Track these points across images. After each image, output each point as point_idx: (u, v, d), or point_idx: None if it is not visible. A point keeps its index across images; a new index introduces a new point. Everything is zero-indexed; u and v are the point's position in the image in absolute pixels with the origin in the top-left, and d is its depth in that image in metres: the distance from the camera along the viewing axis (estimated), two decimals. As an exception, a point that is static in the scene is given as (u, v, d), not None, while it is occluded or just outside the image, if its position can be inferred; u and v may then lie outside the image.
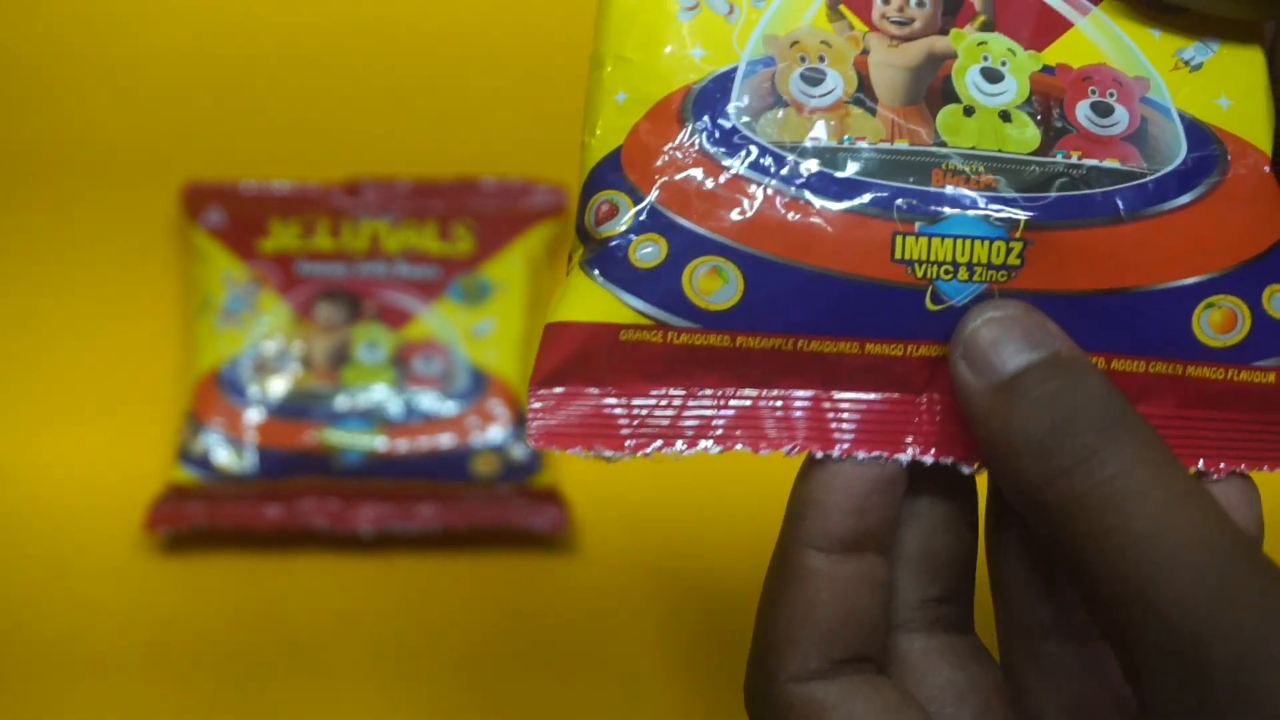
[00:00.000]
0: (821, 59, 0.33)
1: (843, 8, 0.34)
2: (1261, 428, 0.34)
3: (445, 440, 0.65)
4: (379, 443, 0.65)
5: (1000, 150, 0.33)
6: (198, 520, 0.63)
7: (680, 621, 0.62)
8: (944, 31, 0.34)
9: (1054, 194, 0.32)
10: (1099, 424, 0.29)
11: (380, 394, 0.66)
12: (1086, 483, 0.29)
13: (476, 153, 0.70)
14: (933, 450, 0.33)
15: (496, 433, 0.65)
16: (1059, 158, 0.33)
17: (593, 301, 0.32)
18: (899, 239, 0.32)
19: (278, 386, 0.66)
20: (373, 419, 0.65)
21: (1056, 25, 0.34)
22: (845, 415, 0.33)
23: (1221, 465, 0.33)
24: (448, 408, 0.65)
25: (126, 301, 0.68)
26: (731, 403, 0.33)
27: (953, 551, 0.34)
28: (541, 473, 0.65)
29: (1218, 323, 0.33)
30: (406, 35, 0.71)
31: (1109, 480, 0.29)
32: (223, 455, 0.65)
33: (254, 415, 0.65)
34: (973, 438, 0.32)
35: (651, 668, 0.61)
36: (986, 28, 0.34)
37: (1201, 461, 0.33)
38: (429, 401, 0.66)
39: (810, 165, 0.32)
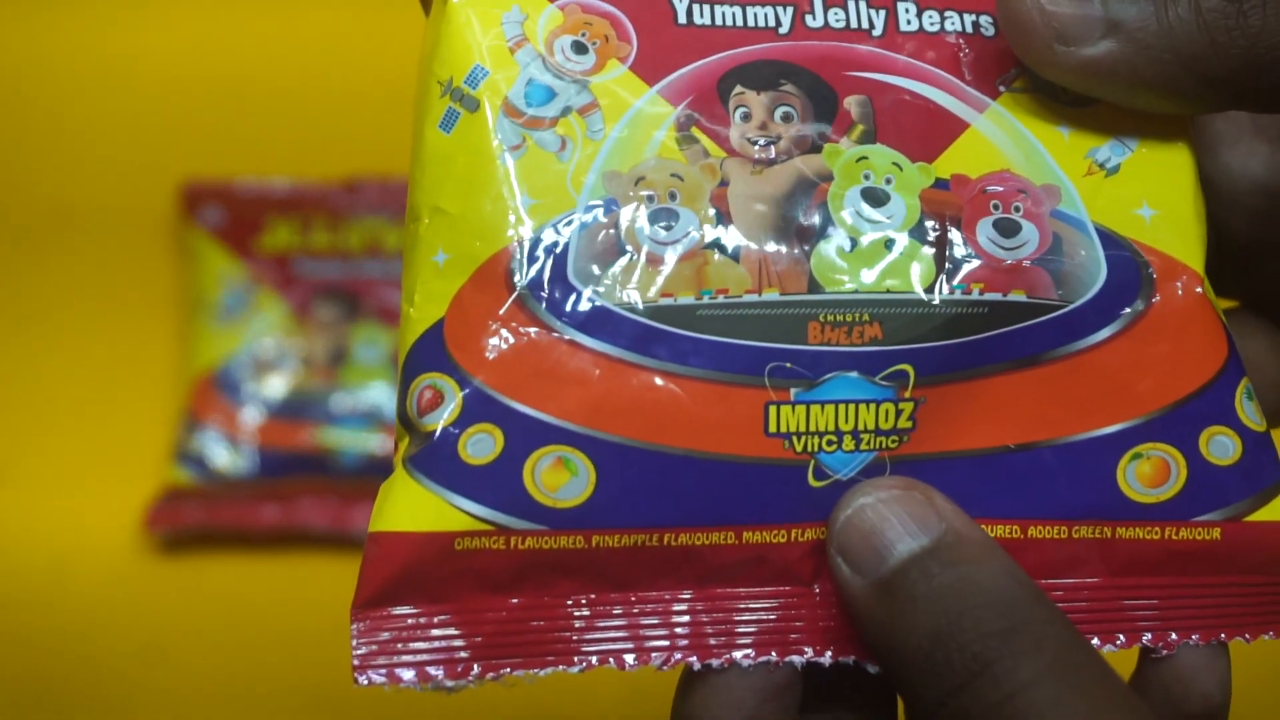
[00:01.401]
0: (673, 196, 0.28)
1: (695, 130, 0.29)
2: (1211, 591, 0.29)
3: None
4: (377, 443, 0.65)
5: (887, 291, 0.28)
6: (195, 520, 0.63)
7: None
8: (816, 149, 0.29)
9: (950, 341, 0.28)
10: (996, 629, 0.25)
11: (379, 394, 0.65)
12: (982, 704, 0.25)
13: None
14: (830, 649, 0.28)
15: (496, 433, 0.65)
16: (957, 294, 0.28)
17: (419, 508, 0.27)
18: (773, 410, 0.27)
19: (275, 386, 0.65)
20: (371, 419, 0.65)
21: (949, 128, 0.29)
22: (724, 617, 0.28)
23: (1171, 637, 0.29)
24: (447, 408, 0.65)
25: (124, 300, 0.68)
26: (592, 612, 0.28)
27: None
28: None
29: (1147, 475, 0.28)
30: (405, 33, 0.71)
31: (1006, 701, 0.24)
32: (220, 455, 0.64)
33: (251, 415, 0.65)
34: None
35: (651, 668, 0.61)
36: (866, 139, 0.29)
37: (1147, 636, 0.29)
38: (428, 401, 0.65)
39: (665, 329, 0.27)
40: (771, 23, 0.30)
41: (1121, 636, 0.29)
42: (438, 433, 0.27)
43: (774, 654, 0.28)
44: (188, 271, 0.67)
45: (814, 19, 0.30)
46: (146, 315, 0.68)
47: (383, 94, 0.70)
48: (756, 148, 0.29)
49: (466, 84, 0.29)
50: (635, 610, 0.28)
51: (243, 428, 0.65)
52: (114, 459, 0.65)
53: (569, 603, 0.28)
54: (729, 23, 0.29)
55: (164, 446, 0.65)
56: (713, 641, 0.28)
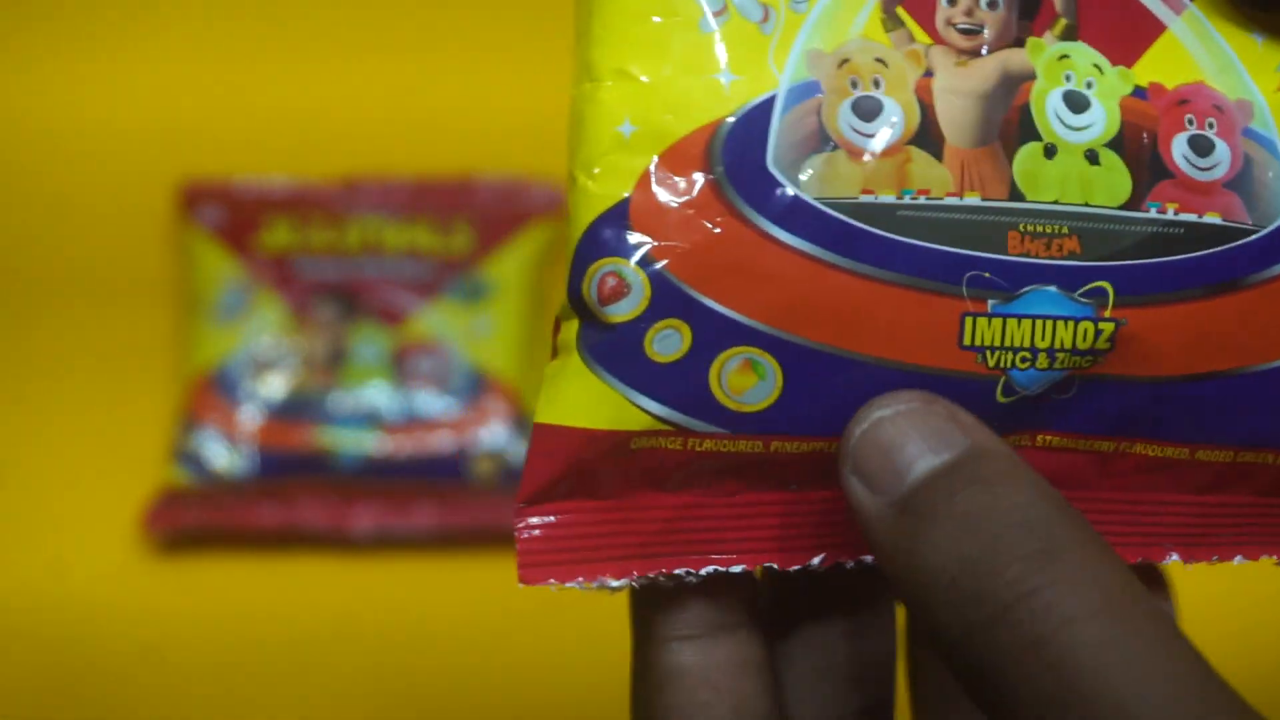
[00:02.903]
0: (877, 83, 0.27)
1: (900, 10, 0.27)
2: None
3: (443, 441, 0.65)
4: (376, 443, 0.65)
5: (1087, 204, 0.27)
6: (194, 521, 0.63)
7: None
8: (1019, 42, 0.27)
9: (1147, 260, 0.27)
10: (1029, 554, 0.23)
11: (378, 394, 0.65)
12: (1016, 641, 0.22)
13: (475, 150, 0.69)
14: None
15: (495, 433, 0.65)
16: (1153, 212, 0.27)
17: (598, 404, 0.26)
18: (969, 321, 0.26)
19: (274, 386, 0.65)
20: (370, 419, 0.65)
21: (1148, 29, 0.28)
22: None
23: None
24: (446, 408, 0.65)
25: (122, 300, 0.68)
26: (755, 511, 0.27)
27: (872, 658, 0.29)
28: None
29: None
30: (405, 32, 0.71)
31: (1048, 641, 0.22)
32: (219, 455, 0.64)
33: (250, 415, 0.65)
34: None
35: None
36: (1068, 35, 0.27)
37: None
38: (427, 401, 0.65)
39: (865, 228, 0.26)
40: None
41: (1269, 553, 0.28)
42: (624, 325, 0.26)
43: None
44: (186, 271, 0.67)
45: None
46: (145, 315, 0.68)
47: (383, 93, 0.70)
48: (962, 36, 0.27)
49: None
50: (801, 509, 0.27)
51: (241, 428, 0.65)
52: (113, 459, 0.65)
53: (739, 501, 0.27)
54: None
55: (162, 447, 0.65)
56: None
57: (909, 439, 0.25)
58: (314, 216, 0.67)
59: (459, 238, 0.67)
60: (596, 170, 0.26)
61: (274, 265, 0.67)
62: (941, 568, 0.23)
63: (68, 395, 0.67)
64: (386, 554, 0.64)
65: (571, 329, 0.27)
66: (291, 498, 0.63)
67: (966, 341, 0.26)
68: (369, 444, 0.65)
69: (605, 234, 0.26)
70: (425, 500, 0.63)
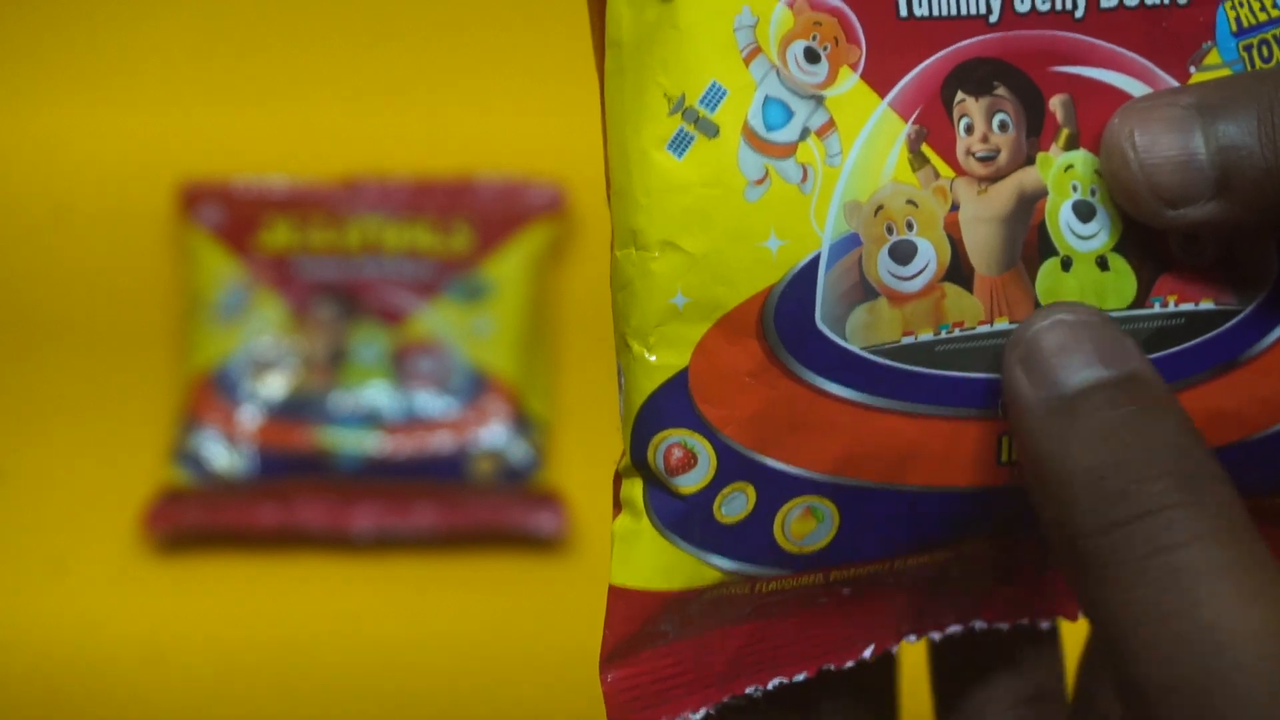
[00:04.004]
0: (910, 225, 0.27)
1: (925, 148, 0.28)
2: None
3: (444, 441, 0.65)
4: (377, 443, 0.65)
5: (1101, 310, 0.28)
6: (194, 521, 0.63)
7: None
8: (1030, 159, 0.28)
9: (1158, 353, 0.28)
10: (1176, 472, 0.24)
11: (378, 394, 0.65)
12: (1148, 545, 0.24)
13: (475, 150, 0.69)
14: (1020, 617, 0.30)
15: (495, 433, 0.65)
16: (1157, 307, 0.28)
17: (673, 568, 0.27)
18: (1005, 440, 0.28)
19: (274, 386, 0.65)
20: (370, 419, 0.65)
21: None
22: (950, 602, 0.30)
23: None
24: (446, 408, 0.65)
25: (122, 300, 0.68)
26: (818, 623, 0.29)
27: (1041, 693, 0.32)
28: (541, 474, 0.65)
29: None
30: (405, 31, 0.71)
31: (1179, 548, 0.24)
32: (219, 455, 0.64)
33: (250, 415, 0.65)
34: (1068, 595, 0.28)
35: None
36: (1071, 144, 0.28)
37: None
38: (427, 401, 0.65)
39: (907, 369, 0.27)
40: (982, 9, 0.28)
41: None
42: (693, 495, 0.27)
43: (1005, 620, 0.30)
44: (186, 271, 0.67)
45: (1022, 3, 0.28)
46: (145, 315, 0.68)
47: (383, 93, 0.70)
48: (981, 164, 0.28)
49: (703, 105, 0.27)
50: (852, 609, 0.29)
51: (241, 428, 0.64)
52: (113, 459, 0.65)
53: (797, 618, 0.29)
54: (944, 12, 0.28)
55: (162, 447, 0.65)
56: (923, 618, 0.29)
57: (1083, 345, 0.26)
58: (314, 216, 0.67)
59: (459, 238, 0.67)
60: (652, 340, 0.27)
61: (274, 265, 0.66)
62: (1092, 466, 0.25)
63: (68, 395, 0.67)
64: (386, 554, 0.64)
65: (635, 488, 0.28)
66: (291, 498, 0.63)
67: (1004, 459, 0.28)
68: (369, 444, 0.64)
69: (667, 405, 0.27)
70: (425, 500, 0.63)
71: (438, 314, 0.66)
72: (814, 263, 0.27)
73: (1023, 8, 0.28)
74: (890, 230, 0.27)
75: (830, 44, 0.27)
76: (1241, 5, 0.29)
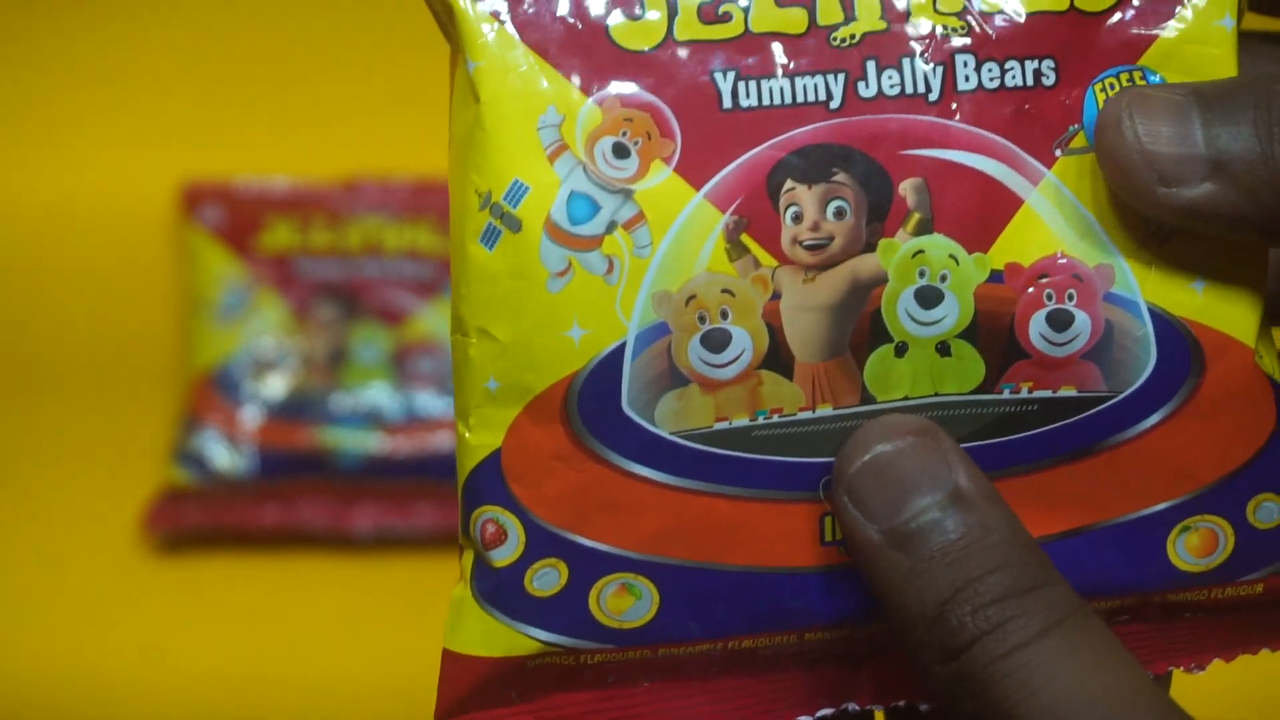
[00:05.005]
0: (725, 315, 0.28)
1: (745, 238, 0.28)
2: (1253, 621, 0.30)
3: (443, 441, 0.65)
4: (377, 443, 0.65)
5: (936, 394, 0.28)
6: (195, 520, 0.63)
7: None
8: (870, 246, 0.28)
9: (1002, 439, 0.28)
10: (1005, 588, 0.25)
11: (378, 393, 0.65)
12: (989, 658, 0.25)
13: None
14: (882, 698, 0.30)
15: (495, 433, 0.65)
16: (1006, 393, 0.28)
17: (491, 636, 0.28)
18: (828, 520, 0.28)
19: (275, 386, 0.65)
20: (371, 419, 0.65)
21: (1005, 207, 0.28)
22: (791, 688, 0.29)
23: (1207, 658, 0.30)
24: (446, 408, 0.65)
25: (123, 300, 0.68)
26: (666, 696, 0.29)
27: None
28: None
29: (1196, 546, 0.29)
30: (405, 32, 0.71)
31: (1016, 651, 0.25)
32: (220, 455, 0.64)
33: (251, 415, 0.65)
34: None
35: None
36: (922, 229, 0.28)
37: (1184, 666, 0.30)
38: (427, 401, 0.65)
39: (722, 453, 0.28)
40: (822, 96, 0.28)
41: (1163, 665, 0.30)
42: (504, 569, 0.28)
43: (830, 708, 0.29)
44: (187, 271, 0.67)
45: (867, 87, 0.28)
46: (146, 315, 0.68)
47: (383, 93, 0.70)
48: (809, 252, 0.28)
49: (507, 201, 0.28)
50: (706, 692, 0.29)
51: (242, 428, 0.64)
52: (114, 459, 0.65)
53: (644, 687, 0.29)
54: (777, 101, 0.28)
55: (163, 447, 0.65)
56: (779, 707, 0.29)
57: (905, 473, 0.26)
58: (314, 217, 0.67)
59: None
60: (471, 421, 0.28)
61: (275, 265, 0.66)
62: (931, 601, 0.26)
63: (69, 395, 0.67)
64: (387, 554, 0.64)
65: (467, 559, 0.29)
66: (292, 498, 0.63)
67: (828, 538, 0.28)
68: (369, 444, 0.65)
69: (483, 483, 0.28)
70: (425, 500, 0.63)
71: (438, 314, 0.66)
72: (619, 351, 0.28)
73: (868, 93, 0.28)
74: (703, 319, 0.28)
75: (641, 139, 0.28)
76: (1112, 89, 0.28)
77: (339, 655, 0.62)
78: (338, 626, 0.62)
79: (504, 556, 0.28)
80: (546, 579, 0.28)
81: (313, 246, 0.67)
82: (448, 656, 0.29)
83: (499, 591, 0.28)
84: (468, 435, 0.28)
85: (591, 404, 0.28)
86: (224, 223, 0.67)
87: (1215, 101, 0.27)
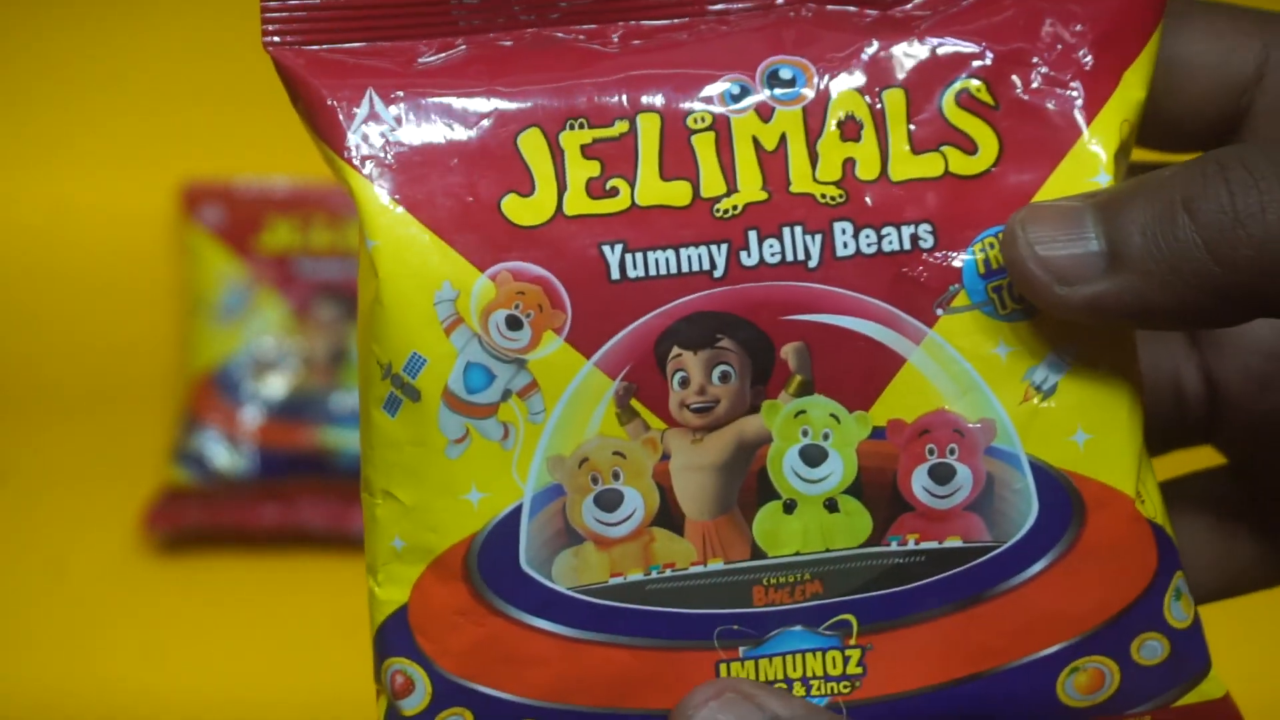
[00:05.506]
0: (616, 476, 0.29)
1: (635, 403, 0.29)
2: None
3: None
4: (377, 443, 0.65)
5: (827, 550, 0.29)
6: (195, 520, 0.63)
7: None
8: (755, 408, 0.29)
9: (890, 590, 0.29)
10: None
11: (378, 394, 0.65)
12: None
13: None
14: None
15: (496, 433, 0.65)
16: (893, 545, 0.29)
17: None
18: (723, 667, 0.29)
19: (275, 386, 0.65)
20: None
21: (886, 366, 0.29)
22: None
23: None
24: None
25: (124, 300, 0.68)
26: None
27: None
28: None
29: (1084, 685, 0.30)
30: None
31: None
32: (220, 455, 0.64)
33: (251, 415, 0.65)
34: None
35: None
36: (804, 390, 0.29)
37: None
38: (428, 401, 0.65)
39: (617, 606, 0.29)
40: (706, 265, 0.29)
41: None
42: (414, 718, 0.29)
43: None
44: (187, 272, 0.67)
45: (749, 256, 0.29)
46: (146, 315, 0.68)
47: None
48: (696, 415, 0.29)
49: (406, 372, 0.29)
50: None
51: (242, 428, 0.65)
52: (114, 459, 0.65)
53: None
54: (663, 271, 0.29)
55: (163, 447, 0.65)
56: None
57: None
58: (315, 217, 0.67)
59: (460, 238, 0.68)
60: (380, 576, 0.30)
61: (275, 265, 0.67)
62: None
63: (69, 395, 0.67)
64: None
65: (381, 705, 0.30)
66: (292, 498, 0.63)
67: (679, 702, 0.29)
68: (369, 444, 0.65)
69: (390, 636, 0.29)
70: (426, 500, 0.63)
71: (438, 314, 0.66)
72: (516, 512, 0.29)
73: (750, 261, 0.29)
74: (596, 481, 0.29)
75: (534, 311, 0.29)
76: (991, 248, 0.29)
77: (339, 655, 0.62)
78: (338, 626, 0.62)
79: (413, 706, 0.29)
80: None
81: (313, 246, 0.67)
82: None
83: None
84: (377, 590, 0.30)
85: (491, 562, 0.29)
86: (224, 223, 0.67)
87: (1107, 199, 0.28)
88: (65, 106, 0.70)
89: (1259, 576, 0.35)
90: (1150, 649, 0.30)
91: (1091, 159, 0.29)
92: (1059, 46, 0.30)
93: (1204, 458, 0.37)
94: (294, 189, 0.68)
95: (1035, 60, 0.30)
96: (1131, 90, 0.30)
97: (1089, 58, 0.30)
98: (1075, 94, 0.30)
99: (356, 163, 0.30)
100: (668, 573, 0.29)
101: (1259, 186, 0.26)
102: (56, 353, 0.67)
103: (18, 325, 0.68)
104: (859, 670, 0.29)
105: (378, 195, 0.30)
